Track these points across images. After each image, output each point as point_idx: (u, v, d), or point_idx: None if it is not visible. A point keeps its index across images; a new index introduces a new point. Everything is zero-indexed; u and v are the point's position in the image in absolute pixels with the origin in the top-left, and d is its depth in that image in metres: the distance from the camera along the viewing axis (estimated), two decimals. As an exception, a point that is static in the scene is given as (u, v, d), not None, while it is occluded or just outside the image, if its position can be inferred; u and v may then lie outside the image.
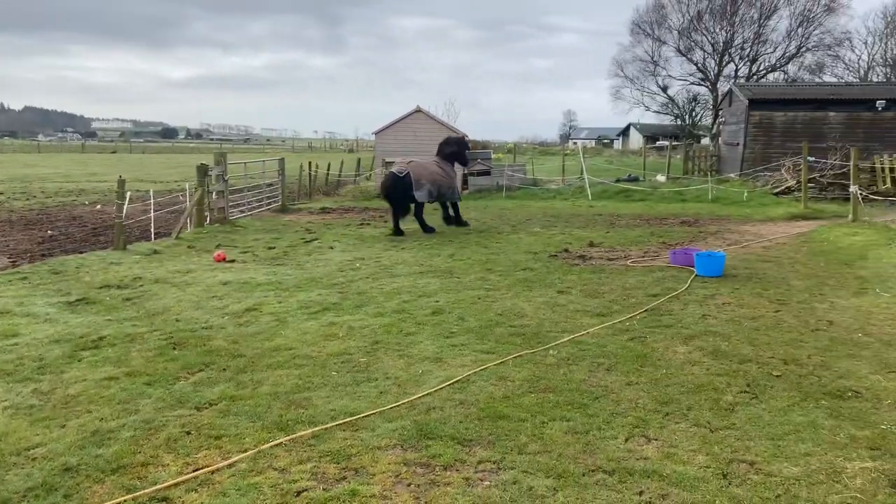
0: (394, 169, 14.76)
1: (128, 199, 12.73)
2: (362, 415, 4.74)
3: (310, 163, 26.55)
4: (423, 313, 7.63)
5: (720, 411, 4.84)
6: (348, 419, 4.67)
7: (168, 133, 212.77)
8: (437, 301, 8.24)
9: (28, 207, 21.14)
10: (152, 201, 15.07)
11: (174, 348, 6.32)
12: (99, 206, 20.95)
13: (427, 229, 14.85)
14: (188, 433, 4.45)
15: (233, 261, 11.19)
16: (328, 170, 29.50)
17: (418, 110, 26.23)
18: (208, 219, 15.47)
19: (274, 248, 12.68)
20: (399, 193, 14.46)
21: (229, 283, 9.31)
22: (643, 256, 11.51)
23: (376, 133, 26.58)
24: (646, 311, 7.68)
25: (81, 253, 11.91)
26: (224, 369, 5.74)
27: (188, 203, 15.54)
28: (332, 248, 12.71)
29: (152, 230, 14.28)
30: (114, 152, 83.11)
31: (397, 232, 14.48)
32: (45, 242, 13.95)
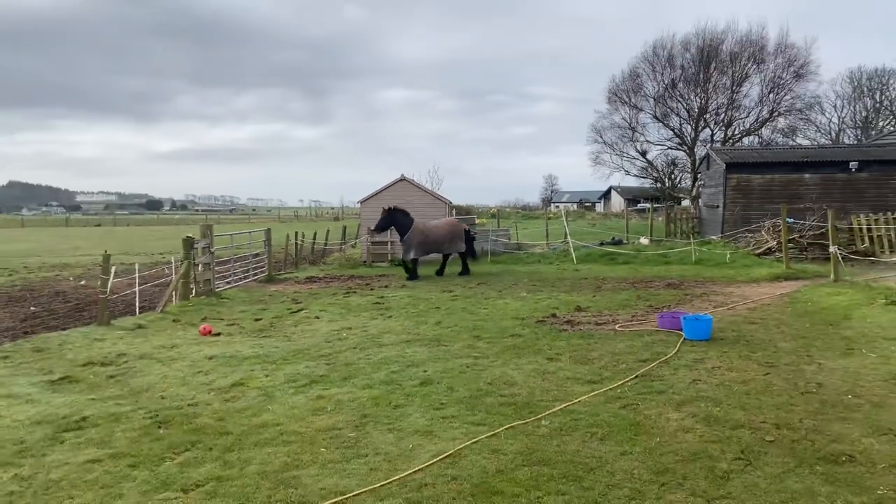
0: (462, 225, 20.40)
1: (113, 273, 12.66)
2: (353, 493, 4.64)
3: (296, 232, 26.66)
4: (412, 384, 7.56)
5: (716, 480, 4.78)
6: (339, 498, 4.56)
7: (153, 205, 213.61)
8: (426, 371, 8.18)
9: (10, 283, 20.94)
10: (137, 275, 15.00)
11: (159, 427, 6.20)
12: (83, 282, 20.80)
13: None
14: (174, 518, 4.32)
15: (219, 334, 11.09)
16: (314, 239, 29.62)
17: (403, 179, 26.56)
18: (194, 291, 15.37)
19: (260, 319, 12.60)
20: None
21: (215, 358, 9.20)
22: (631, 321, 11.54)
23: (362, 202, 26.80)
24: (636, 376, 7.66)
25: (65, 329, 11.76)
26: (210, 448, 5.63)
27: (174, 276, 15.48)
28: (318, 317, 12.64)
29: (137, 304, 14.18)
30: (98, 225, 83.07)
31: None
32: (27, 319, 13.78)
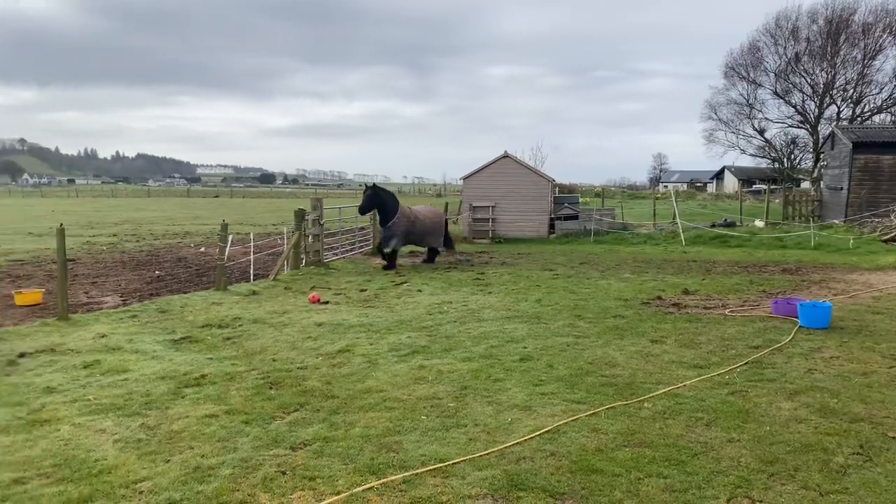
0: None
1: (230, 241, 13.35)
2: (452, 461, 4.72)
3: (400, 207, 27.09)
4: (511, 359, 7.58)
5: (830, 474, 4.54)
6: (438, 465, 4.66)
7: (266, 178, 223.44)
8: (525, 347, 8.18)
9: (138, 249, 22.50)
10: (252, 244, 15.75)
11: (271, 388, 6.52)
12: (203, 248, 22.04)
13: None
14: (283, 473, 4.55)
15: (326, 302, 11.50)
16: (417, 214, 30.02)
17: (506, 156, 26.45)
18: (304, 261, 16.00)
19: (365, 290, 12.96)
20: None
21: (323, 325, 9.56)
22: (742, 306, 11.06)
23: (464, 178, 26.93)
24: (746, 363, 7.35)
25: (186, 293, 12.54)
26: (318, 410, 5.87)
27: (285, 246, 16.15)
28: (420, 291, 12.86)
29: (251, 271, 14.90)
30: (216, 197, 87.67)
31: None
32: (153, 282, 14.77)
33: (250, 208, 56.22)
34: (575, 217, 26.67)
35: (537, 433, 5.26)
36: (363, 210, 16.72)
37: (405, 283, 13.94)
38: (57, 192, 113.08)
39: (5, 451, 4.92)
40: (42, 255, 19.71)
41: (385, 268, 16.22)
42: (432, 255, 18.12)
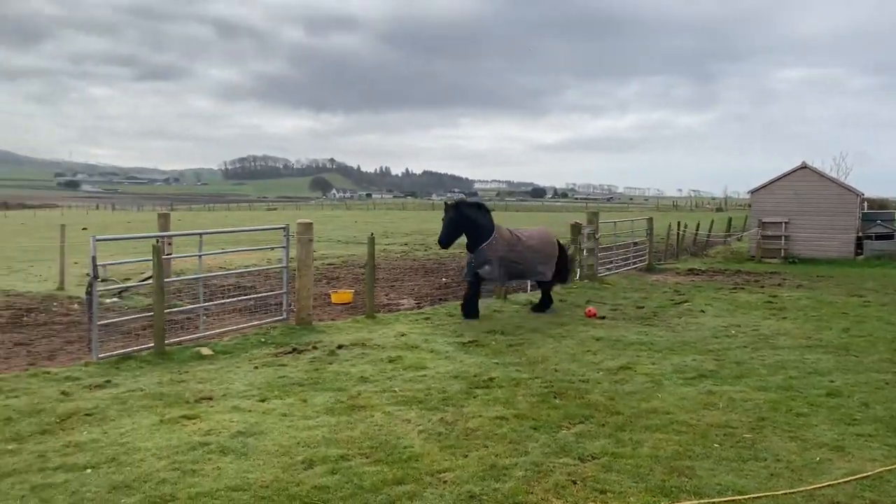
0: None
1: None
2: (752, 495, 4.42)
3: (678, 222, 26.00)
4: (816, 393, 6.86)
5: None
6: (736, 497, 4.40)
7: (537, 192, 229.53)
8: (832, 381, 7.34)
9: (426, 257, 24.49)
10: (530, 256, 16.27)
11: (555, 397, 6.68)
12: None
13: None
14: (574, 482, 4.63)
15: (603, 317, 11.45)
16: (697, 230, 28.53)
17: (804, 167, 24.01)
18: (578, 274, 16.11)
19: (643, 307, 12.65)
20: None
21: (601, 339, 9.54)
22: None
23: (753, 192, 24.99)
24: None
25: (470, 300, 13.33)
26: (603, 425, 5.87)
27: (561, 259, 16.38)
28: (703, 311, 12.21)
29: (529, 283, 15.37)
30: (491, 210, 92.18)
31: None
32: (441, 288, 15.97)
33: (522, 222, 58.03)
34: (890, 236, 23.29)
35: (853, 477, 4.70)
36: (446, 240, 11.51)
37: (685, 302, 13.33)
38: (358, 204, 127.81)
39: (332, 430, 5.69)
40: (349, 259, 22.40)
41: (465, 310, 11.26)
42: (547, 295, 12.38)
